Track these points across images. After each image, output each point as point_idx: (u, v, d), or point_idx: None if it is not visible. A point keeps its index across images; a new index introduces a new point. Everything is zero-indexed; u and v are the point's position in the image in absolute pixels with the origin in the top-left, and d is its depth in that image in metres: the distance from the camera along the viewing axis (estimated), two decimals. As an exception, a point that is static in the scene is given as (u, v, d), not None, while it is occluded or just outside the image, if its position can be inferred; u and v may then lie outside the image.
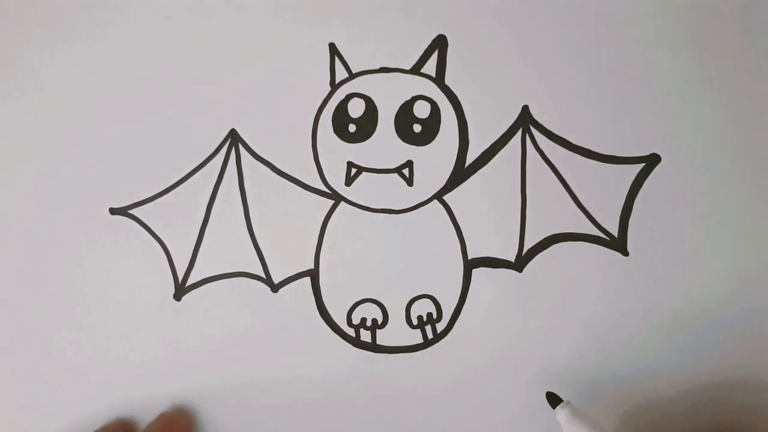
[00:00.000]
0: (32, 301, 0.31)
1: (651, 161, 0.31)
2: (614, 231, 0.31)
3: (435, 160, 0.31)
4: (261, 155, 0.31)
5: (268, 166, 0.31)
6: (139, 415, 0.31)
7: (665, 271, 0.31)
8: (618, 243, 0.31)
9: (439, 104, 0.31)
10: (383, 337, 0.31)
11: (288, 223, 0.31)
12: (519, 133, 0.31)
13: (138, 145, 0.31)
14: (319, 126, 0.31)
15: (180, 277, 0.31)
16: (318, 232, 0.31)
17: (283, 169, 0.31)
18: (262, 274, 0.31)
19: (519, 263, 0.31)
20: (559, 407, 0.28)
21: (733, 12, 0.30)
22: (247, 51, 0.30)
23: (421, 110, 0.31)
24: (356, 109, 0.31)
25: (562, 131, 0.31)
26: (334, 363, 0.31)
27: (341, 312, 0.31)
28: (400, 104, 0.31)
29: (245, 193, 0.31)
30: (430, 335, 0.31)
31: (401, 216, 0.31)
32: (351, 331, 0.31)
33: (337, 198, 0.31)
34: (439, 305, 0.31)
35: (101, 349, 0.31)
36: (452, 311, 0.31)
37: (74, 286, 0.31)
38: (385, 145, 0.31)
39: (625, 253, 0.31)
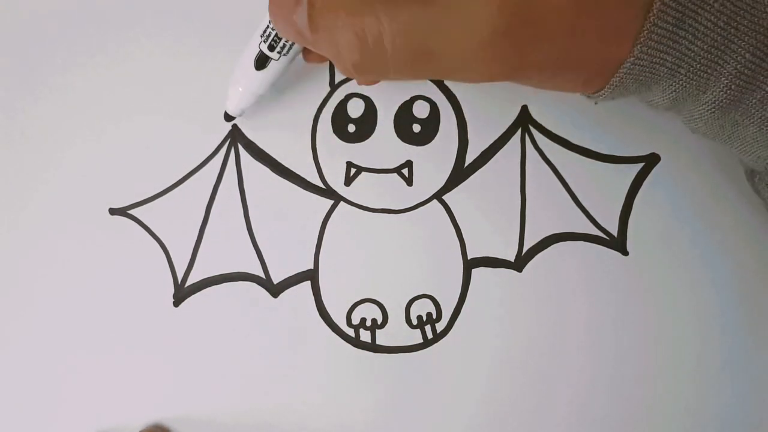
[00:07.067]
0: (29, 301, 0.31)
1: (651, 161, 0.31)
2: (614, 231, 0.31)
3: (434, 160, 0.31)
4: (261, 155, 0.31)
5: (268, 166, 0.31)
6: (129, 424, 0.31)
7: (665, 271, 0.31)
8: (618, 243, 0.31)
9: (438, 104, 0.31)
10: (383, 337, 0.31)
11: (287, 223, 0.31)
12: (518, 133, 0.31)
13: (138, 145, 0.31)
14: (318, 126, 0.31)
15: (179, 277, 0.31)
16: (318, 232, 0.31)
17: (282, 170, 0.31)
18: (262, 275, 0.31)
19: (519, 263, 0.31)
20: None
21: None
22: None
23: (421, 110, 0.31)
24: (356, 109, 0.31)
25: (561, 131, 0.31)
26: (333, 363, 0.31)
27: (341, 312, 0.31)
28: (399, 104, 0.31)
29: (245, 193, 0.31)
30: (429, 335, 0.31)
31: (401, 216, 0.31)
32: (351, 331, 0.31)
33: (336, 198, 0.31)
34: (439, 305, 0.31)
35: (99, 350, 0.31)
36: (452, 311, 0.31)
37: (74, 287, 0.31)
38: (384, 145, 0.31)
39: (625, 253, 0.31)
